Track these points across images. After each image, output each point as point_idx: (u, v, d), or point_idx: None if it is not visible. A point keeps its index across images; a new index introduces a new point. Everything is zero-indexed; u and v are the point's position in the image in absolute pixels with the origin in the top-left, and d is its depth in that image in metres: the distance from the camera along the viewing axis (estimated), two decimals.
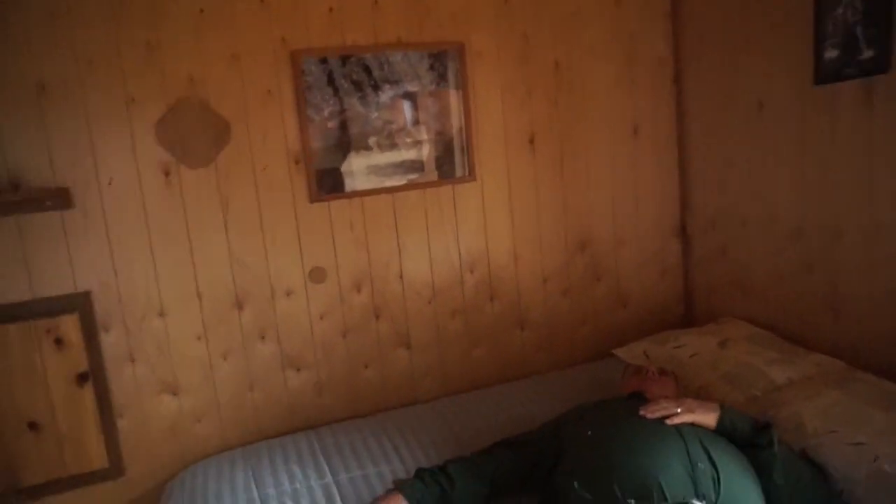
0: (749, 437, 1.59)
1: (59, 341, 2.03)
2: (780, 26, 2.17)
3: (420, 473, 1.77)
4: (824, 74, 2.04)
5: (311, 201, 2.28)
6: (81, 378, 2.07)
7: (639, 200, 2.72)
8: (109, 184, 2.05)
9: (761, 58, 2.27)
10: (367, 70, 2.30)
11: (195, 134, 2.12)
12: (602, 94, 2.60)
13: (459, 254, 2.50)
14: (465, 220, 2.49)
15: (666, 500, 1.38)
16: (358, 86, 2.30)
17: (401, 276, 2.43)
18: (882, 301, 1.96)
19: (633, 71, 2.63)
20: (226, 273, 2.22)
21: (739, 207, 2.48)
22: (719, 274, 2.64)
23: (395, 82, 2.34)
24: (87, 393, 2.08)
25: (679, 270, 2.83)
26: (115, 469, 2.13)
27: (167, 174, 2.12)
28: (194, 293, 2.19)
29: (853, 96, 1.96)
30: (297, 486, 1.89)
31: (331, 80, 2.26)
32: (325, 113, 2.28)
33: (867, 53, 1.89)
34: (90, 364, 2.07)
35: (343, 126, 2.30)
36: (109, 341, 2.11)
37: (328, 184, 2.31)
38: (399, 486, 1.74)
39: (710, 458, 1.48)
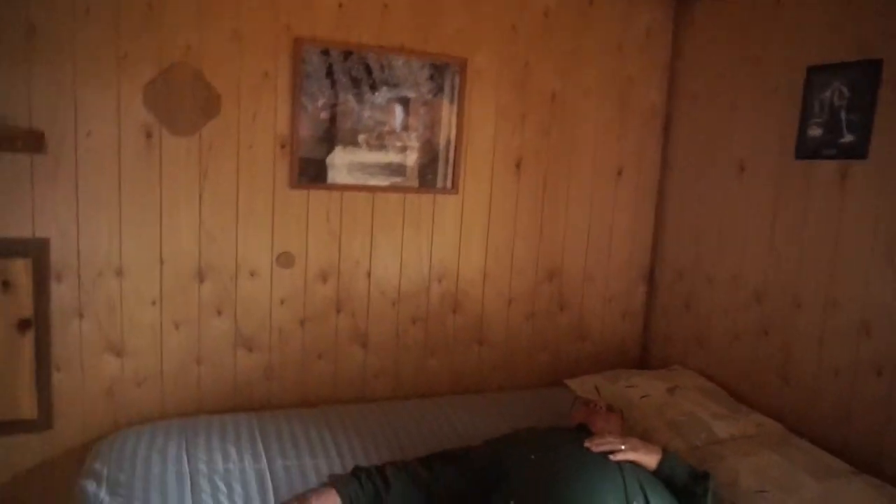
0: (686, 485, 1.61)
1: (6, 284, 1.97)
2: (770, 96, 2.24)
3: (357, 472, 1.75)
4: (805, 150, 2.11)
5: (291, 187, 2.27)
6: (23, 325, 2.00)
7: (613, 240, 2.76)
8: (88, 135, 2.02)
9: (749, 123, 2.33)
10: (368, 69, 2.31)
11: (184, 101, 2.10)
12: (592, 133, 2.65)
13: (430, 262, 2.50)
14: (441, 230, 2.50)
15: None
16: (356, 82, 2.31)
17: (368, 275, 2.42)
18: (829, 375, 2.01)
19: (625, 115, 2.68)
20: (192, 244, 2.19)
21: (708, 263, 2.53)
22: (680, 324, 2.68)
23: (393, 85, 2.35)
24: (27, 341, 2.02)
25: (641, 314, 2.87)
26: (43, 421, 2.07)
27: (149, 136, 2.09)
28: (157, 258, 2.15)
29: (830, 176, 2.03)
30: (231, 466, 1.86)
31: (330, 73, 2.27)
32: (319, 103, 2.28)
33: (848, 137, 1.96)
34: (35, 312, 2.01)
35: (334, 119, 2.30)
36: (60, 292, 2.06)
37: (311, 172, 2.30)
38: (334, 482, 1.72)
39: (645, 498, 1.50)
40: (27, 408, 2.04)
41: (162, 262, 2.16)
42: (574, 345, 2.78)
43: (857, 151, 1.93)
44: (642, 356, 2.90)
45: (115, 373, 2.16)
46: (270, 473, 1.85)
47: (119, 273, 2.12)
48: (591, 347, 2.81)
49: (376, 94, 2.33)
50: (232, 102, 2.16)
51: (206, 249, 2.21)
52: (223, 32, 2.12)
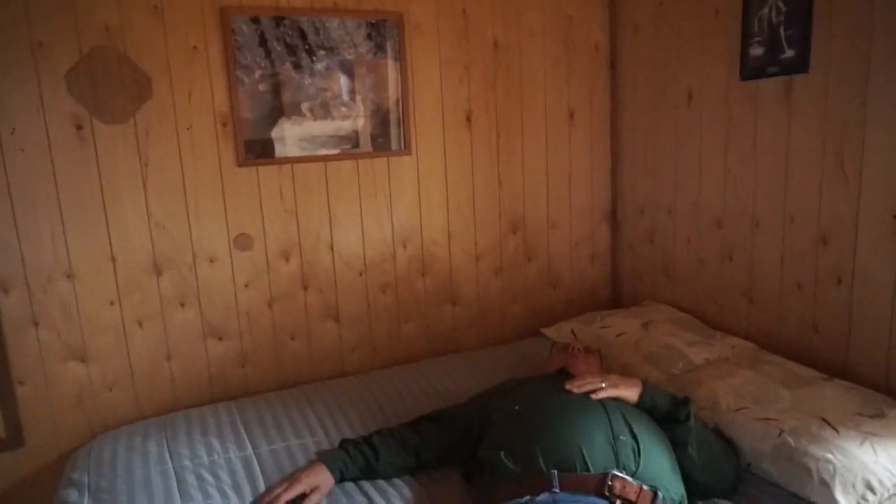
0: (668, 412, 1.64)
1: None
2: (710, 21, 2.23)
3: (344, 444, 1.74)
4: (749, 71, 2.11)
5: (239, 165, 2.19)
6: None
7: (572, 185, 2.76)
8: (12, 133, 1.89)
9: (692, 51, 2.33)
10: (302, 34, 2.22)
11: (112, 87, 1.99)
12: (539, 77, 2.61)
13: (392, 228, 2.46)
14: (399, 194, 2.45)
15: (588, 469, 1.41)
16: (292, 50, 2.21)
17: (331, 248, 2.37)
18: (791, 289, 2.07)
19: (570, 55, 2.65)
20: (143, 236, 2.10)
21: (667, 195, 2.55)
22: (646, 259, 2.72)
23: (330, 49, 2.26)
24: None
25: (608, 255, 2.90)
26: (13, 439, 1.99)
27: (79, 128, 1.97)
28: (108, 256, 2.06)
29: (775, 93, 2.04)
30: (216, 458, 1.82)
31: (263, 42, 2.17)
32: (256, 75, 2.18)
33: (789, 53, 1.97)
34: None
35: (275, 90, 2.21)
36: (9, 304, 1.96)
37: (257, 149, 2.22)
38: (321, 457, 1.70)
39: (631, 431, 1.52)
40: None
41: (114, 260, 2.07)
42: (545, 293, 2.80)
43: (799, 66, 1.94)
44: (613, 296, 2.93)
45: (83, 379, 2.08)
46: (257, 458, 1.82)
47: (70, 276, 2.02)
48: (562, 294, 2.83)
49: (314, 59, 2.25)
50: (163, 83, 2.05)
51: (158, 240, 2.12)
52: (143, 8, 2.00)
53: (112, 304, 2.09)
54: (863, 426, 1.57)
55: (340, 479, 1.66)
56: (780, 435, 1.58)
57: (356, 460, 1.68)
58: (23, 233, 1.95)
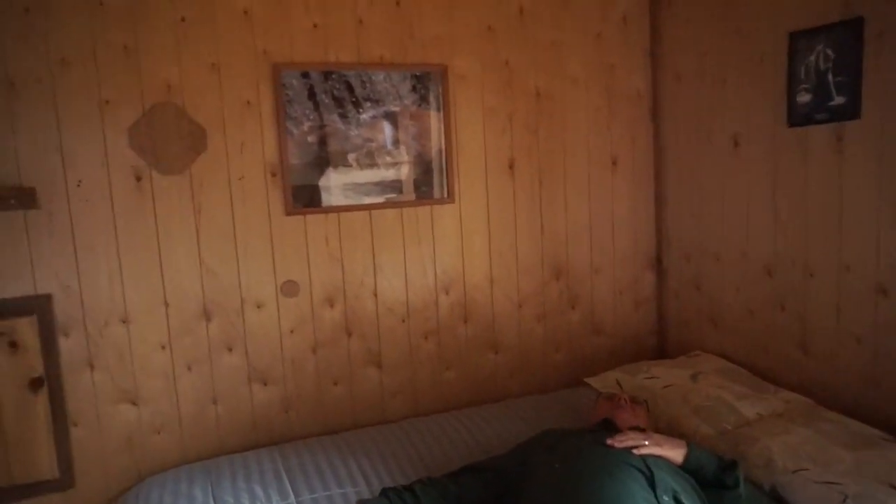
0: (715, 476, 1.57)
1: (13, 345, 1.95)
2: (756, 69, 2.22)
3: (386, 492, 1.72)
4: (797, 117, 2.08)
5: (287, 214, 2.25)
6: (35, 383, 1.99)
7: (615, 230, 2.74)
8: (78, 185, 2.01)
9: (737, 97, 2.31)
10: (349, 87, 2.30)
11: (170, 140, 2.09)
12: (581, 125, 2.63)
13: (435, 274, 2.48)
14: (442, 241, 2.47)
15: None
16: (339, 102, 2.29)
17: (375, 294, 2.40)
18: (849, 341, 1.98)
19: (612, 104, 2.66)
20: (195, 282, 2.17)
21: (714, 242, 2.50)
22: (692, 307, 2.65)
23: (376, 101, 2.33)
24: (41, 399, 2.00)
25: (653, 301, 2.84)
26: (65, 480, 2.04)
27: (139, 179, 2.08)
28: (161, 301, 2.14)
29: (825, 140, 2.00)
30: None
31: (311, 95, 2.26)
32: (305, 127, 2.26)
33: (838, 100, 1.94)
34: (46, 369, 1.99)
35: (322, 141, 2.29)
36: (68, 346, 2.04)
37: (305, 197, 2.28)
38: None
39: (674, 492, 1.47)
40: (47, 468, 2.02)
41: (167, 305, 2.14)
42: (589, 341, 2.75)
43: (850, 112, 1.91)
44: (659, 344, 2.86)
45: (133, 422, 2.14)
46: None
47: (125, 320, 2.10)
48: (606, 342, 2.77)
49: (361, 111, 2.32)
50: (217, 135, 2.14)
51: (208, 286, 2.19)
52: (201, 66, 2.11)
53: (163, 348, 2.15)
54: None
55: None
56: (843, 501, 1.49)
57: None
58: (83, 278, 2.04)
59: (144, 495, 1.91)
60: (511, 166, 2.54)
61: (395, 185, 2.40)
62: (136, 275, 2.10)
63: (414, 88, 2.38)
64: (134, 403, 2.13)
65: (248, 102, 2.18)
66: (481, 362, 2.59)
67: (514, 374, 2.64)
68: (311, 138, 2.27)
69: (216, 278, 2.19)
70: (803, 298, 2.13)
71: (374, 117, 2.34)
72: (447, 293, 2.50)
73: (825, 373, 2.07)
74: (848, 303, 1.98)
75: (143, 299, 2.12)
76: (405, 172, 2.40)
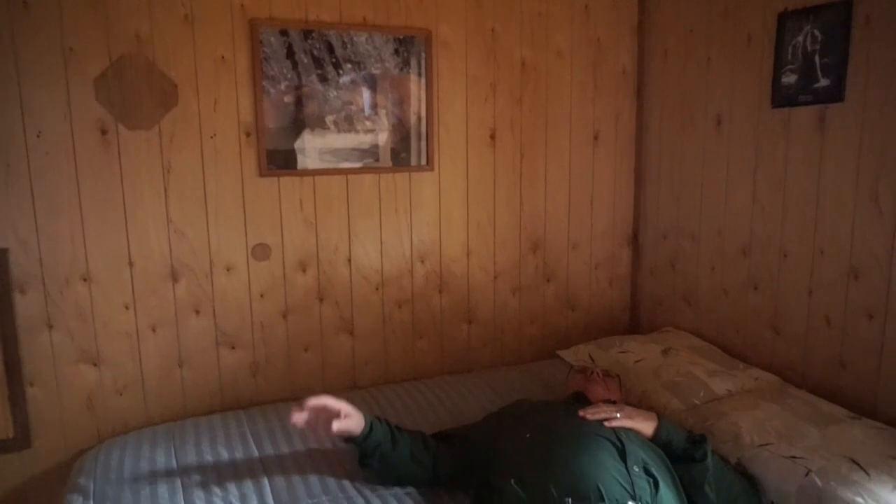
0: (684, 451, 1.59)
1: None
2: (742, 48, 2.20)
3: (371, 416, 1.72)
4: (781, 98, 2.07)
5: (261, 175, 2.19)
6: None
7: (594, 206, 2.72)
8: (38, 137, 1.91)
9: (723, 77, 2.29)
10: (330, 47, 2.22)
11: (138, 94, 2.00)
12: (565, 99, 2.59)
13: (411, 243, 2.44)
14: (420, 209, 2.43)
15: (603, 500, 1.36)
16: (318, 62, 2.21)
17: (349, 261, 2.35)
18: (819, 322, 2.00)
19: (598, 78, 2.63)
20: (162, 242, 2.10)
21: (691, 221, 2.50)
22: (667, 285, 2.66)
23: (357, 63, 2.26)
24: None
25: (628, 278, 2.85)
26: (20, 440, 1.98)
27: (104, 133, 1.98)
28: (125, 260, 2.06)
29: (808, 122, 2.00)
30: (223, 467, 1.79)
31: (290, 54, 2.17)
32: (282, 86, 2.18)
33: (823, 82, 1.93)
34: (0, 326, 1.91)
35: (300, 102, 2.21)
36: (25, 304, 1.96)
37: (279, 159, 2.21)
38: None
39: (644, 463, 1.47)
40: (1, 427, 1.95)
41: (131, 264, 2.07)
42: (563, 315, 2.75)
43: (834, 95, 1.90)
44: (632, 321, 2.88)
45: (93, 383, 2.07)
46: (264, 468, 1.79)
47: (87, 279, 2.02)
48: (580, 316, 2.78)
49: (340, 72, 2.25)
50: (190, 91, 2.06)
51: (176, 247, 2.12)
52: (174, 17, 2.01)
53: (127, 308, 2.08)
54: (895, 471, 1.50)
55: (367, 434, 1.64)
56: (807, 475, 1.51)
57: (384, 428, 1.68)
58: (43, 234, 1.95)
59: (104, 456, 1.86)
60: (492, 137, 2.50)
61: (373, 150, 2.34)
62: (99, 232, 2.02)
63: (396, 52, 2.31)
64: (95, 364, 2.07)
65: (223, 58, 2.09)
66: (455, 333, 2.57)
67: (487, 345, 2.63)
68: (287, 98, 2.20)
69: (185, 239, 2.12)
70: (777, 279, 2.14)
71: (354, 80, 2.27)
72: (423, 262, 2.47)
73: (795, 352, 2.09)
74: (820, 285, 2.00)
75: (107, 258, 2.04)
76: (384, 138, 2.34)
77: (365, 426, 1.64)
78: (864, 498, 1.41)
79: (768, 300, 2.18)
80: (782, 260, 2.12)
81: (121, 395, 2.11)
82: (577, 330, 2.76)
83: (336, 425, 1.59)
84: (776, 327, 2.16)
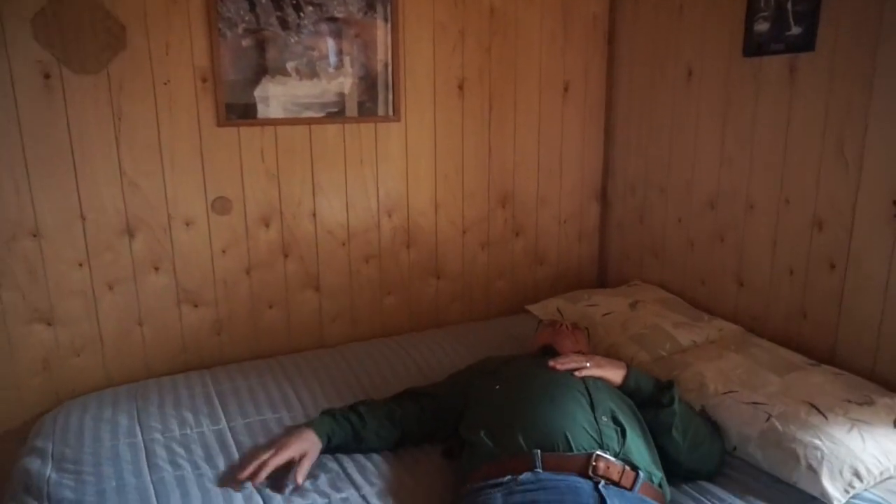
0: (652, 396, 1.61)
1: None
2: None
3: (329, 411, 1.68)
4: (753, 47, 2.05)
5: (219, 125, 2.08)
6: None
7: (563, 160, 2.69)
8: None
9: (694, 25, 2.26)
10: None
11: (82, 34, 1.86)
12: (535, 47, 2.52)
13: (378, 197, 2.38)
14: (386, 161, 2.36)
15: (571, 450, 1.37)
16: (278, 4, 2.09)
17: (314, 215, 2.28)
18: (783, 274, 2.04)
19: (568, 26, 2.56)
20: (115, 195, 1.99)
21: (659, 174, 2.50)
22: (635, 239, 2.67)
23: (318, 5, 2.15)
24: None
25: (596, 233, 2.85)
26: None
27: (47, 77, 1.85)
28: (76, 214, 1.96)
29: (778, 72, 1.98)
30: (188, 431, 1.75)
31: None
32: (240, 30, 2.06)
33: (795, 30, 1.91)
34: None
35: (259, 47, 2.10)
36: None
37: (239, 108, 2.11)
38: (308, 423, 1.64)
39: (612, 412, 1.49)
40: None
41: (83, 219, 1.97)
42: (531, 270, 2.74)
43: (805, 43, 1.88)
44: (600, 275, 2.89)
45: (49, 343, 1.99)
46: (231, 431, 1.75)
47: (35, 234, 1.92)
48: (548, 271, 2.78)
49: (302, 15, 2.13)
50: (139, 33, 1.93)
51: (131, 200, 2.02)
52: None
53: (81, 265, 1.99)
54: (851, 413, 1.55)
55: (327, 446, 1.60)
56: (767, 419, 1.55)
57: (343, 427, 1.63)
58: None
59: (63, 418, 1.80)
60: (461, 87, 2.42)
61: (338, 101, 2.24)
62: (47, 185, 1.90)
63: None
64: (49, 324, 1.98)
65: None
66: (423, 288, 2.54)
67: (455, 300, 2.61)
68: (246, 42, 2.08)
69: (139, 192, 2.02)
70: (742, 231, 2.16)
71: (316, 24, 2.16)
72: (390, 217, 2.42)
73: (758, 303, 2.13)
74: (785, 235, 2.02)
75: (57, 212, 1.93)
76: (348, 86, 2.25)
77: (322, 442, 1.58)
78: (821, 440, 1.46)
79: (734, 252, 2.21)
80: (748, 211, 2.13)
81: (79, 355, 2.04)
82: (545, 284, 2.76)
83: (300, 476, 1.49)
84: (741, 279, 2.19)
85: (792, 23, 1.92)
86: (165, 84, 1.99)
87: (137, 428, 1.75)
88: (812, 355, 1.89)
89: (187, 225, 2.11)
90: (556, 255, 2.78)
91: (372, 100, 2.30)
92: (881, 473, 1.44)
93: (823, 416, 1.54)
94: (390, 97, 2.31)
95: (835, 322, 1.90)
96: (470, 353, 2.14)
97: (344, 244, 2.36)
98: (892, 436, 1.50)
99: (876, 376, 1.77)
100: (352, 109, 2.27)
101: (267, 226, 2.22)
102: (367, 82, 2.28)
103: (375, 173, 2.35)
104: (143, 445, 1.68)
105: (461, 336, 2.36)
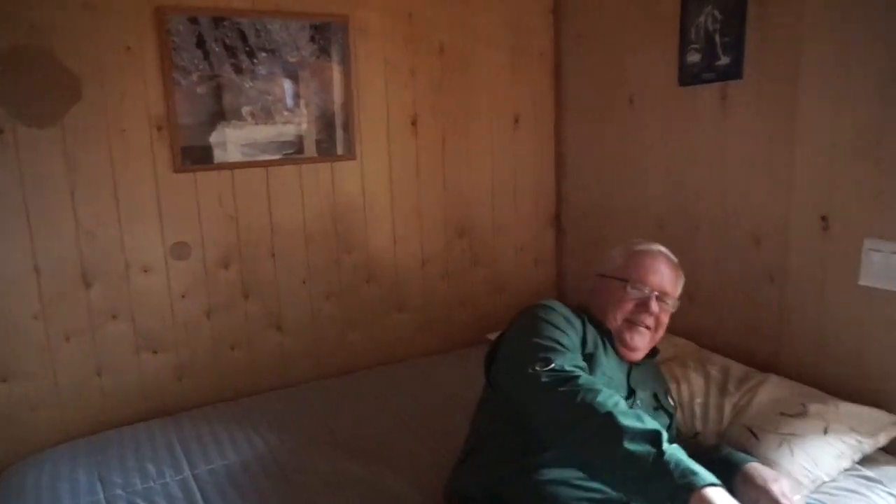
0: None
1: None
2: (651, 29, 2.29)
3: (658, 432, 1.12)
4: (687, 77, 2.18)
5: (175, 171, 2.10)
6: None
7: (517, 189, 2.78)
8: None
9: (634, 57, 2.38)
10: (243, 36, 2.16)
11: (36, 89, 1.87)
12: (485, 82, 2.62)
13: (337, 234, 2.41)
14: (344, 199, 2.40)
15: None
16: (231, 51, 2.14)
17: (272, 255, 2.30)
18: (728, 289, 2.13)
19: (516, 61, 2.67)
20: (71, 245, 1.98)
21: (610, 199, 2.59)
22: (590, 263, 2.74)
23: (272, 51, 2.20)
24: None
25: (553, 259, 2.93)
26: None
27: (0, 132, 1.85)
28: (30, 267, 1.94)
29: (711, 99, 2.11)
30: (151, 483, 1.70)
31: (201, 43, 2.09)
32: (194, 77, 2.10)
33: (724, 60, 2.04)
34: None
35: (215, 94, 2.14)
36: None
37: (195, 154, 2.13)
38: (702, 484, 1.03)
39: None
40: None
41: (38, 272, 1.95)
42: (491, 298, 2.80)
43: (733, 72, 2.01)
44: (559, 299, 2.94)
45: (3, 399, 1.95)
46: (195, 479, 1.72)
47: None
48: (507, 299, 2.83)
49: (255, 62, 2.18)
50: (94, 84, 1.95)
51: (88, 250, 2.01)
52: (73, 5, 1.89)
53: (35, 318, 1.96)
54: (782, 427, 1.59)
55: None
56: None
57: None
58: None
59: (18, 479, 1.73)
60: (414, 123, 2.50)
61: (296, 143, 2.29)
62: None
63: (313, 39, 2.27)
64: (3, 380, 1.94)
65: (129, 48, 1.99)
66: (386, 322, 2.57)
67: (419, 332, 2.64)
68: (201, 90, 2.12)
69: (96, 241, 2.02)
70: (690, 249, 2.26)
71: (271, 70, 2.21)
72: (349, 253, 2.45)
73: (708, 319, 2.22)
74: (727, 253, 2.12)
75: (8, 265, 1.91)
76: (305, 129, 2.30)
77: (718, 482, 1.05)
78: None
79: (683, 269, 2.29)
80: (695, 231, 2.23)
81: (34, 410, 1.99)
82: (505, 312, 2.79)
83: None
84: (691, 296, 2.28)
85: (720, 53, 2.05)
86: (121, 133, 2.00)
87: (98, 484, 1.70)
88: (759, 366, 1.97)
89: (145, 271, 2.10)
90: (514, 282, 2.84)
91: (329, 140, 2.35)
92: (812, 482, 1.50)
93: (756, 437, 1.59)
94: (346, 137, 2.37)
95: (777, 332, 1.99)
96: (433, 387, 2.17)
97: (304, 282, 2.37)
98: (820, 444, 1.55)
99: (816, 382, 1.85)
100: (310, 150, 2.31)
101: (226, 267, 2.23)
102: (324, 123, 2.33)
103: (333, 212, 2.39)
104: (104, 503, 1.63)
105: (424, 369, 2.39)
